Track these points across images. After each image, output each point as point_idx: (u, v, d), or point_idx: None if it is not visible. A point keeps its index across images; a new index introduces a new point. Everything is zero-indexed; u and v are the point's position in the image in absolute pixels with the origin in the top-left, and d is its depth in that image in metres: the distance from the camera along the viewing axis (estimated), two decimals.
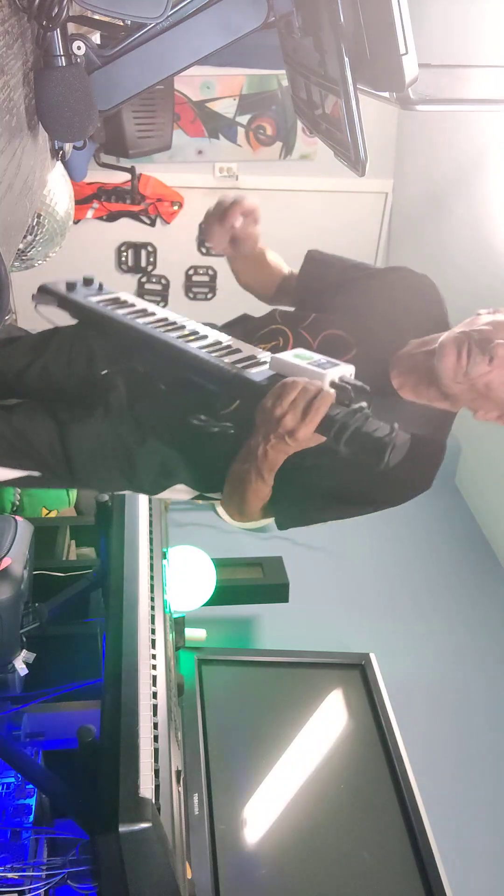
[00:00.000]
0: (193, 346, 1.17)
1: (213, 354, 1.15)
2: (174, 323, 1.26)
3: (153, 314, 1.30)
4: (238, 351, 1.18)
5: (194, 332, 1.23)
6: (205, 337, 1.21)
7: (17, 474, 1.33)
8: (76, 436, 1.29)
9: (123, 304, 1.35)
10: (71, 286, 1.43)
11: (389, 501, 1.23)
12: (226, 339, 1.22)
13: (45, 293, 1.41)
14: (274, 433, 1.05)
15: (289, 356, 1.09)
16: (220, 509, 2.87)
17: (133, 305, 1.34)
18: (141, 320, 1.26)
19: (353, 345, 1.27)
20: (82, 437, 1.29)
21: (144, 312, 1.30)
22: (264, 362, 1.13)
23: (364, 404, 1.01)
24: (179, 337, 1.21)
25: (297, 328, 1.32)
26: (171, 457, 1.31)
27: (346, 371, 1.07)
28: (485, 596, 3.03)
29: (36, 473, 1.33)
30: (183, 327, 1.25)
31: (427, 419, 1.24)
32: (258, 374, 1.10)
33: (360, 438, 0.98)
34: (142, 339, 1.22)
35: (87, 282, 1.46)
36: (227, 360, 1.14)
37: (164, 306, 4.46)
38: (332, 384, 1.04)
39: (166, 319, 1.28)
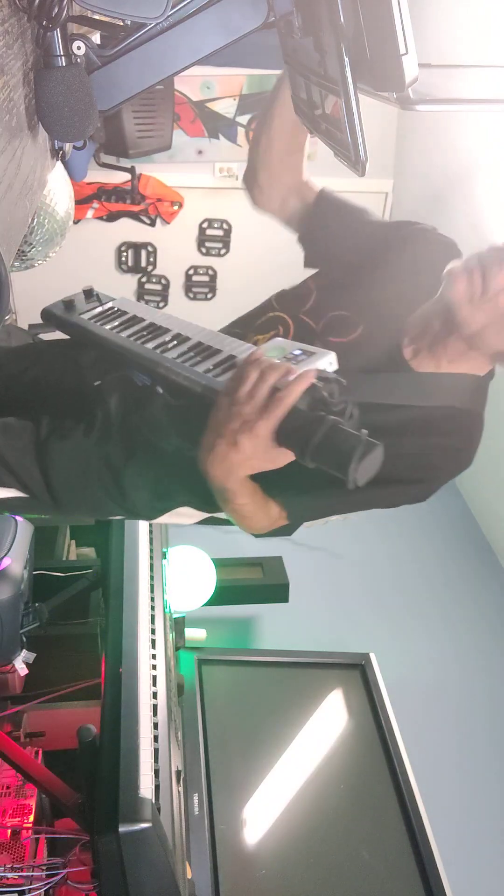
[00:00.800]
0: (169, 357, 1.06)
1: (189, 363, 1.04)
2: (159, 329, 1.17)
3: (142, 321, 1.22)
4: (217, 353, 1.05)
5: (177, 337, 1.13)
6: (186, 340, 1.11)
7: (2, 493, 1.22)
8: (54, 455, 1.17)
9: (116, 314, 1.27)
10: (69, 305, 1.35)
11: (423, 483, 1.09)
12: (209, 338, 1.10)
13: (45, 319, 1.35)
14: (225, 426, 0.86)
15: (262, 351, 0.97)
16: None
17: (125, 314, 1.26)
18: (126, 332, 1.18)
19: (359, 322, 1.16)
20: (61, 456, 1.17)
21: (133, 321, 1.22)
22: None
23: (344, 405, 0.86)
24: (159, 346, 1.11)
25: (298, 313, 1.22)
26: (164, 476, 1.18)
27: (322, 362, 0.92)
28: (485, 596, 3.03)
29: (22, 494, 1.21)
30: (167, 331, 1.15)
31: (453, 390, 1.11)
32: (225, 380, 0.96)
33: (325, 452, 0.82)
34: (124, 354, 1.15)
35: (87, 294, 1.39)
36: (201, 367, 1.01)
37: (164, 306, 4.45)
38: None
39: (152, 325, 1.19)
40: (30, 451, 1.17)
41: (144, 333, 1.17)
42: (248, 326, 1.27)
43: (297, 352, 0.94)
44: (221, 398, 0.88)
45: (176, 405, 1.13)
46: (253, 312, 1.35)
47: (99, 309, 1.31)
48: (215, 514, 1.26)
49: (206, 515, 1.27)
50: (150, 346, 1.12)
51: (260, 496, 1.03)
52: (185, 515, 1.25)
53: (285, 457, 0.87)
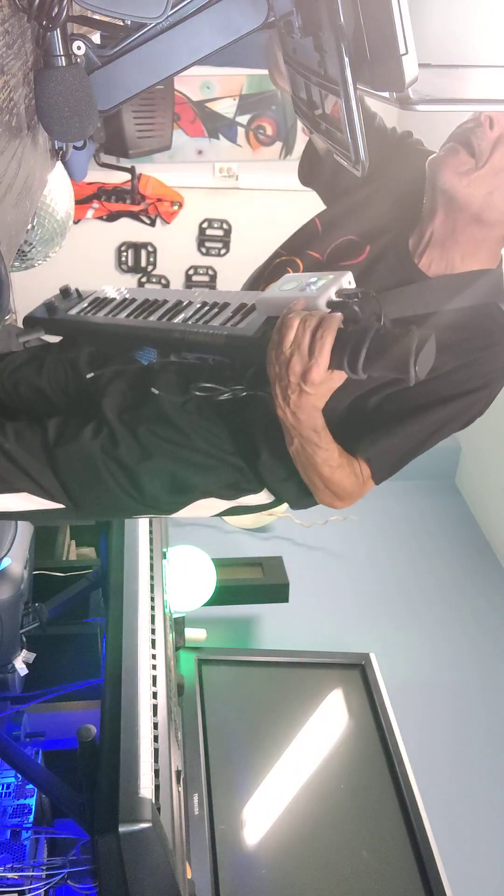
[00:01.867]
0: (178, 321, 1.05)
1: (200, 322, 1.02)
2: (156, 302, 1.13)
3: (134, 301, 1.18)
4: (226, 306, 1.03)
5: (177, 304, 1.10)
6: (189, 304, 1.08)
7: (22, 501, 1.20)
8: (63, 460, 1.16)
9: (104, 302, 1.23)
10: (51, 308, 1.31)
11: (485, 388, 1.07)
12: (211, 296, 1.08)
13: (29, 326, 1.31)
14: (288, 386, 0.91)
15: (273, 290, 0.95)
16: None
17: (113, 300, 1.22)
18: (122, 314, 1.15)
19: (366, 243, 1.14)
20: (70, 460, 1.17)
21: (125, 304, 1.18)
22: (255, 307, 0.98)
23: (377, 312, 0.87)
24: (162, 316, 1.08)
25: (305, 251, 1.23)
26: (181, 468, 1.17)
27: (341, 282, 0.91)
28: (484, 596, 3.03)
29: (45, 503, 1.20)
30: (165, 302, 1.12)
31: (473, 289, 1.09)
32: (250, 324, 0.95)
33: (378, 358, 0.84)
34: (128, 334, 1.11)
35: (65, 293, 1.33)
36: (215, 322, 1.00)
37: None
38: (331, 304, 0.90)
39: (147, 301, 1.15)
40: (41, 455, 1.17)
41: (142, 310, 1.14)
42: (259, 280, 1.28)
43: (313, 279, 0.93)
44: (271, 353, 0.92)
45: (201, 364, 1.07)
46: (260, 267, 1.36)
47: (85, 302, 1.27)
48: (239, 502, 1.24)
49: (228, 505, 1.24)
50: (153, 318, 1.10)
51: (342, 450, 1.06)
52: (206, 507, 1.23)
53: (340, 380, 0.92)
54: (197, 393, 1.07)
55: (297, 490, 1.16)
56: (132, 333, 1.11)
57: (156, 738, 1.32)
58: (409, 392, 1.00)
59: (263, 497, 1.23)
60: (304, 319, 0.88)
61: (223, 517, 1.33)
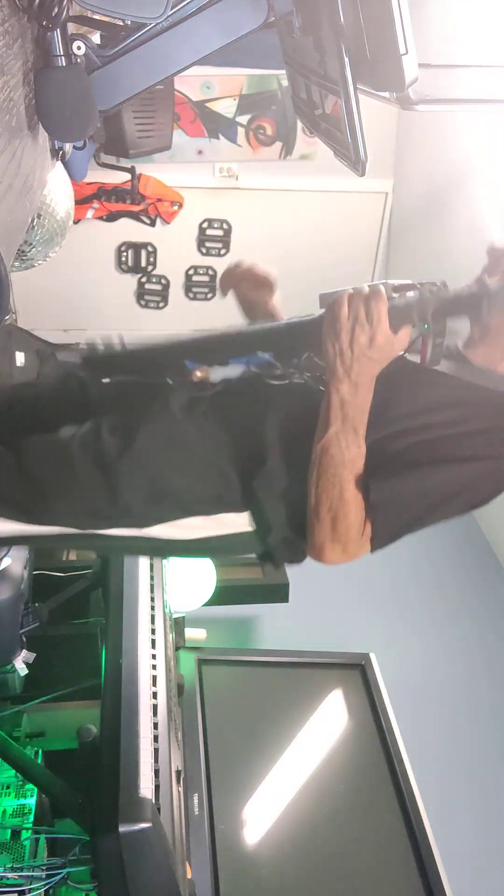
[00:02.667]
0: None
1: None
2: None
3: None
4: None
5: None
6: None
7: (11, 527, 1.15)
8: (35, 448, 1.13)
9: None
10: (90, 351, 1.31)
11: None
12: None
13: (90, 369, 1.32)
14: (351, 356, 0.99)
15: (337, 290, 1.04)
16: None
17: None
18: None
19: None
20: (43, 449, 1.14)
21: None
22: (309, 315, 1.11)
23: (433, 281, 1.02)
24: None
25: None
26: (164, 464, 1.13)
27: (394, 282, 1.05)
28: (485, 596, 3.03)
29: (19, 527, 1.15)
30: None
31: None
32: (309, 316, 1.09)
33: (448, 303, 1.00)
34: (189, 345, 1.21)
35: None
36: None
37: (163, 306, 4.45)
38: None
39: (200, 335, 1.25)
40: (12, 459, 1.13)
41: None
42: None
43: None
44: (329, 330, 1.01)
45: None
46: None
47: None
48: (219, 519, 1.16)
49: (205, 529, 1.16)
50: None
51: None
52: (181, 527, 1.16)
53: (402, 344, 1.01)
54: (254, 370, 1.13)
55: (287, 513, 1.12)
56: (194, 344, 1.20)
57: (156, 738, 1.32)
58: (433, 444, 1.05)
59: (243, 521, 1.16)
60: (353, 294, 0.98)
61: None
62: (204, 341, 1.18)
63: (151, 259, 4.01)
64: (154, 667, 1.48)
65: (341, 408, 1.03)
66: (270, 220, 3.95)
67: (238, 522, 1.16)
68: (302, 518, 1.08)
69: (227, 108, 3.69)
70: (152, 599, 1.67)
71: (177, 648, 1.94)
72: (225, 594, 2.48)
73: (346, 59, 0.85)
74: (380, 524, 1.04)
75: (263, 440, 1.12)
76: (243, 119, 3.72)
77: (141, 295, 4.13)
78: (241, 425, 1.15)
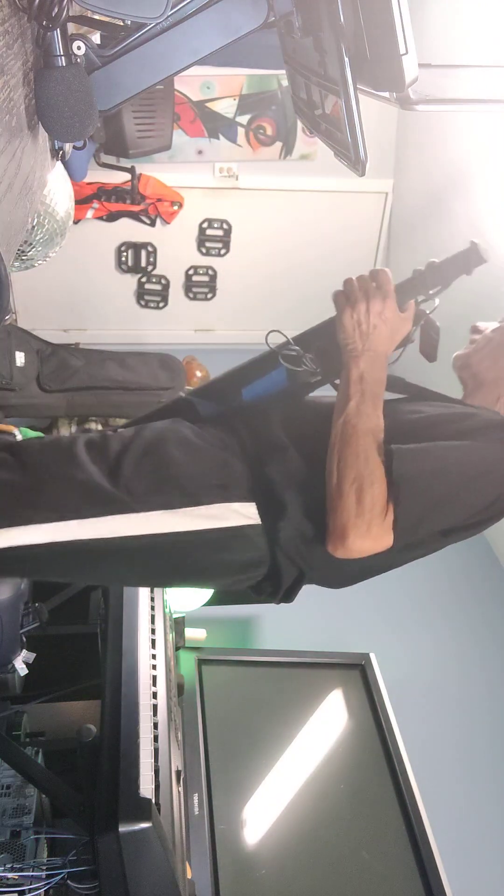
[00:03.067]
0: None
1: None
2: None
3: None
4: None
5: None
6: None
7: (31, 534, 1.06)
8: (34, 445, 1.12)
9: None
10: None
11: None
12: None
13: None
14: (368, 324, 1.11)
15: None
16: None
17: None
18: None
19: None
20: (42, 444, 1.13)
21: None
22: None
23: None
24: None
25: None
26: (173, 441, 1.12)
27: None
28: (484, 595, 3.03)
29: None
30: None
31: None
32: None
33: (444, 264, 1.18)
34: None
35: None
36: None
37: (164, 306, 4.46)
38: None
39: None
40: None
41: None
42: None
43: None
44: (345, 307, 1.13)
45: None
46: None
47: None
48: (222, 511, 1.10)
49: (214, 521, 1.10)
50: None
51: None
52: (185, 516, 1.09)
53: (409, 321, 1.17)
54: (281, 359, 1.19)
55: (303, 502, 1.09)
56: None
57: (156, 738, 1.32)
58: (450, 421, 1.12)
59: (248, 512, 1.11)
60: (357, 277, 1.14)
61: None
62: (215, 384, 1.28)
63: (151, 259, 4.01)
64: (154, 667, 1.48)
65: (360, 381, 1.08)
66: (270, 220, 3.95)
67: (243, 514, 1.11)
68: (319, 507, 1.05)
69: (227, 108, 3.69)
70: (152, 599, 1.67)
71: (177, 648, 1.94)
72: (225, 594, 2.48)
73: (346, 59, 0.85)
74: (402, 505, 1.01)
75: (277, 430, 1.15)
76: (243, 119, 3.72)
77: (141, 295, 4.13)
78: (253, 417, 1.19)
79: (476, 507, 1.07)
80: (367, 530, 1.00)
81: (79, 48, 0.95)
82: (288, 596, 1.20)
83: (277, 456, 1.12)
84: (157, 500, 1.09)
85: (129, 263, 4.02)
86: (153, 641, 1.55)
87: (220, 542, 1.10)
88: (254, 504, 1.10)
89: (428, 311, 1.21)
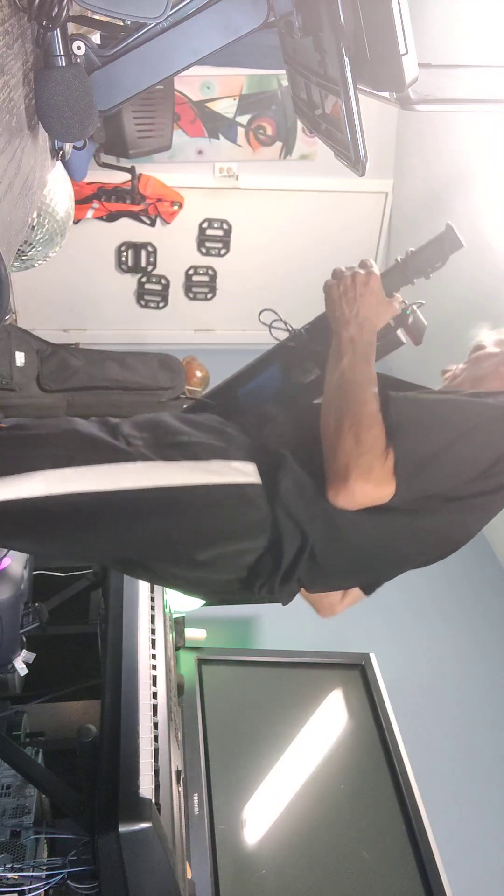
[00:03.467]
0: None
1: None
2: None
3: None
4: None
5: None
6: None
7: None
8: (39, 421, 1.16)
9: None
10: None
11: None
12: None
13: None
14: (354, 293, 1.18)
15: None
16: None
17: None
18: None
19: None
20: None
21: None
22: None
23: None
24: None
25: None
26: (173, 425, 1.16)
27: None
28: (484, 595, 3.03)
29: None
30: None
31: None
32: None
33: (422, 250, 1.24)
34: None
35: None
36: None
37: (164, 306, 4.45)
38: None
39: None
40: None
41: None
42: None
43: None
44: (333, 284, 1.21)
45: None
46: None
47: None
48: (221, 467, 1.09)
49: (215, 476, 1.08)
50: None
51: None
52: (188, 470, 1.07)
53: (395, 305, 1.23)
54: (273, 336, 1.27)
55: (296, 457, 1.08)
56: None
57: (156, 738, 1.32)
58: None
59: (248, 470, 1.10)
60: (346, 269, 1.22)
61: None
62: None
63: (151, 259, 4.01)
64: (154, 667, 1.48)
65: (351, 342, 1.13)
66: (270, 220, 3.96)
67: (243, 472, 1.10)
68: (316, 461, 1.05)
69: (227, 108, 3.69)
70: (152, 599, 1.67)
71: (177, 648, 1.94)
72: (225, 592, 2.48)
73: (346, 59, 0.85)
74: (401, 449, 1.01)
75: (270, 407, 1.22)
76: (243, 119, 3.73)
77: (141, 295, 4.13)
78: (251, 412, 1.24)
79: (476, 465, 1.05)
80: (369, 471, 0.99)
81: (79, 48, 0.95)
82: (288, 577, 1.12)
83: (271, 423, 1.17)
84: (155, 452, 1.08)
85: (129, 263, 4.02)
86: (153, 641, 1.55)
87: (221, 503, 1.07)
88: (253, 464, 1.10)
89: (412, 303, 1.28)
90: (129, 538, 1.10)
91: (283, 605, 1.22)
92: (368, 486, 0.99)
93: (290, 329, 1.31)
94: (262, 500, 1.07)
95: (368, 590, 1.34)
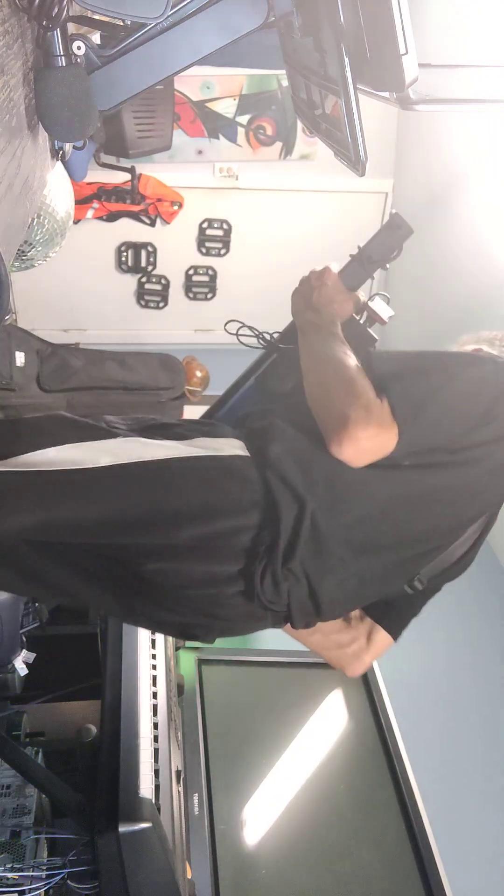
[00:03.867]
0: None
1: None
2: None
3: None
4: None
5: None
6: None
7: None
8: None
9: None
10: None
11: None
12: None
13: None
14: (309, 288, 1.23)
15: None
16: None
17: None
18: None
19: None
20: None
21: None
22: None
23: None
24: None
25: None
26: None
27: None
28: (484, 595, 3.03)
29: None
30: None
31: None
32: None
33: (371, 242, 1.28)
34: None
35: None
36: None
37: (164, 306, 4.45)
38: None
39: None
40: None
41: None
42: None
43: None
44: (298, 287, 1.26)
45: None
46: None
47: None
48: (203, 444, 1.05)
49: (199, 449, 1.03)
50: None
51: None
52: (168, 447, 1.02)
53: (349, 304, 1.24)
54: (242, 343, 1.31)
55: (285, 424, 1.04)
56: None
57: (156, 738, 1.32)
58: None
59: (236, 445, 1.05)
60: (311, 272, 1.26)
61: None
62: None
63: (151, 259, 4.01)
64: (154, 667, 1.48)
65: (313, 324, 1.16)
66: (270, 220, 3.96)
67: (231, 446, 1.05)
68: (306, 422, 1.02)
69: (227, 108, 3.70)
70: None
71: (177, 648, 1.94)
72: None
73: (346, 59, 0.85)
74: (393, 396, 0.98)
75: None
76: (243, 119, 3.73)
77: (141, 295, 4.13)
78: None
79: (470, 410, 1.02)
80: (368, 413, 0.95)
81: (79, 48, 0.95)
82: (290, 553, 0.98)
83: (252, 413, 1.16)
84: (139, 433, 1.06)
85: (129, 263, 4.02)
86: (153, 641, 1.55)
87: (205, 474, 1.01)
88: (241, 442, 1.05)
89: (368, 301, 1.29)
90: (123, 506, 0.99)
91: (295, 627, 1.08)
92: (371, 428, 0.95)
93: (260, 337, 1.32)
94: (252, 470, 1.00)
95: (395, 629, 1.30)
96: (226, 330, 1.33)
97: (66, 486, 0.99)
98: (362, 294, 1.27)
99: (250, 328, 1.31)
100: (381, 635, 1.30)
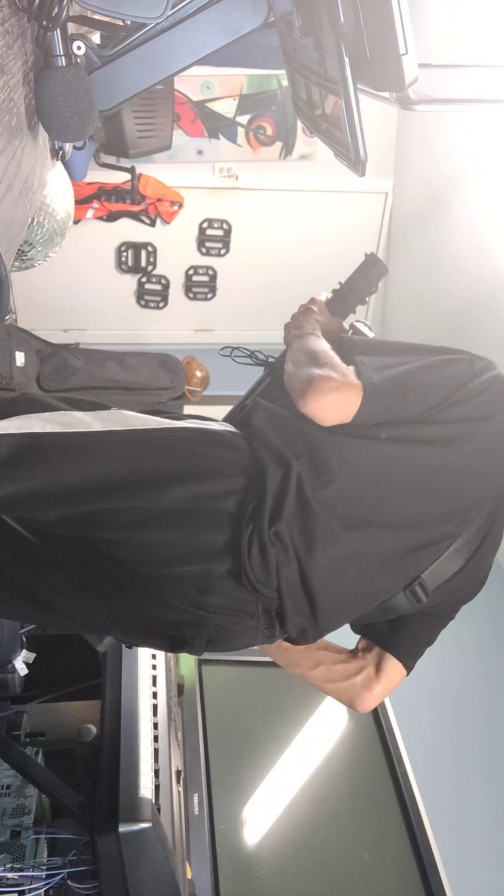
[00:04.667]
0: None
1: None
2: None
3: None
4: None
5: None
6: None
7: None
8: None
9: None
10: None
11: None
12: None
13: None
14: (297, 316, 1.28)
15: None
16: None
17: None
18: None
19: None
20: None
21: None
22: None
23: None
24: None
25: None
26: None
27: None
28: (485, 596, 3.02)
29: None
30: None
31: None
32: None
33: (350, 280, 1.29)
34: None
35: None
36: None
37: (163, 306, 4.45)
38: None
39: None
40: None
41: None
42: None
43: None
44: (291, 323, 1.28)
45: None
46: None
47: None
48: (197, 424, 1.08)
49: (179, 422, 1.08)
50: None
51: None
52: (149, 422, 1.05)
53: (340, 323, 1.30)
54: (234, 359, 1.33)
55: (270, 406, 1.09)
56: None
57: (156, 738, 1.32)
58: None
59: (226, 425, 1.10)
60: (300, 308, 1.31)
61: None
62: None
63: (151, 259, 4.01)
64: (154, 667, 1.48)
65: (296, 336, 1.19)
66: (270, 220, 3.96)
67: (221, 425, 1.10)
68: (287, 401, 1.08)
69: (227, 108, 3.70)
70: None
71: None
72: None
73: (346, 59, 0.85)
74: (360, 361, 1.04)
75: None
76: (243, 119, 3.73)
77: (141, 295, 4.13)
78: None
79: (445, 383, 1.04)
80: (332, 369, 1.02)
81: (79, 48, 0.95)
82: (276, 515, 0.97)
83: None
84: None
85: (129, 263, 4.02)
86: None
87: (191, 440, 1.02)
88: (231, 427, 1.10)
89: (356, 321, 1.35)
90: (117, 467, 0.99)
91: (290, 633, 1.08)
92: (333, 381, 1.00)
93: (253, 356, 1.34)
94: (240, 440, 1.03)
95: (407, 658, 1.27)
96: (220, 354, 1.37)
97: (59, 450, 0.99)
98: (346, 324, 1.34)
99: (243, 350, 1.34)
100: (392, 664, 1.26)
